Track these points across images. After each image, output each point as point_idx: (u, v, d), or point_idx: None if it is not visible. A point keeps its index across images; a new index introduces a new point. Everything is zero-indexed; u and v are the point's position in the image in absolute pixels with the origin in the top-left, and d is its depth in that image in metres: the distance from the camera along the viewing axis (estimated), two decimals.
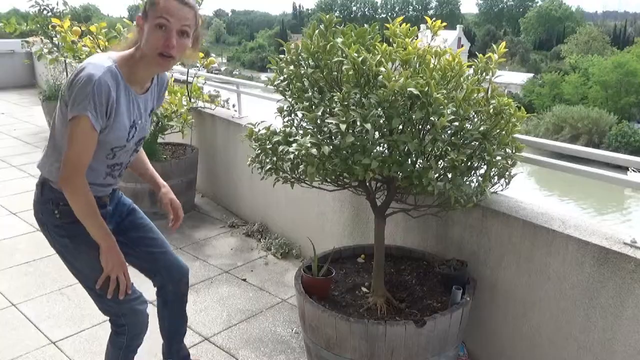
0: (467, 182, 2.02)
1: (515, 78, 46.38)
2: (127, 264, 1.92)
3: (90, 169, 1.73)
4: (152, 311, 2.96)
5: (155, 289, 2.18)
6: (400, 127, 1.90)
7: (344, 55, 1.94)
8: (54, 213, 1.80)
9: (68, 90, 1.63)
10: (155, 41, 1.65)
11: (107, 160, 1.79)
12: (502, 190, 2.25)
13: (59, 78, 6.71)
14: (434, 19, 2.18)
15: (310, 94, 2.06)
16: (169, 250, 2.14)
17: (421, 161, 1.94)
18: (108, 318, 2.00)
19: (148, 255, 2.08)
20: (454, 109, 1.86)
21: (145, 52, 1.68)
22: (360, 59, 1.87)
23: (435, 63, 2.07)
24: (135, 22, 1.72)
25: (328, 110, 1.94)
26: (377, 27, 2.09)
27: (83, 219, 1.74)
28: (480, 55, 2.13)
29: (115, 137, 1.73)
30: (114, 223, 1.99)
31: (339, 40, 1.97)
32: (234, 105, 4.61)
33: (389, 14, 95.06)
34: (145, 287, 2.12)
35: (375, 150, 1.88)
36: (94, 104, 1.59)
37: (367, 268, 2.52)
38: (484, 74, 2.13)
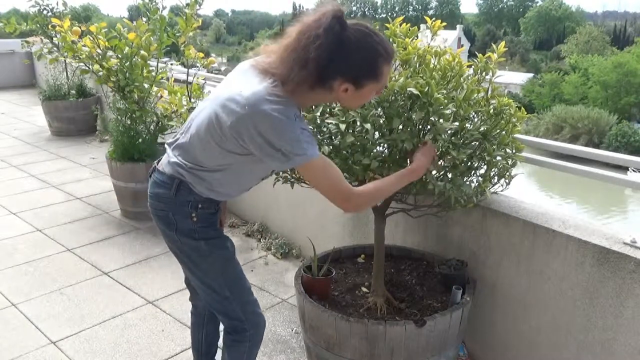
0: (467, 182, 2.02)
1: (515, 78, 46.37)
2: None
3: (241, 185, 1.74)
4: (152, 312, 2.97)
5: (193, 306, 2.13)
6: (400, 127, 1.90)
7: None
8: (191, 216, 1.71)
9: (258, 138, 1.49)
10: (365, 100, 1.64)
11: (261, 179, 1.78)
12: (502, 191, 2.25)
13: (59, 78, 6.70)
14: (433, 19, 2.18)
15: None
16: None
17: None
18: (223, 327, 1.95)
19: None
20: (454, 109, 1.86)
21: (345, 105, 1.73)
22: None
23: (435, 63, 2.07)
24: (328, 84, 1.52)
25: (328, 110, 1.94)
26: (377, 27, 2.08)
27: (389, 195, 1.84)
28: (480, 55, 2.13)
29: None
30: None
31: None
32: None
33: (389, 14, 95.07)
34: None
35: (375, 150, 1.88)
36: (308, 135, 1.52)
37: (367, 268, 2.52)
38: (484, 74, 2.13)
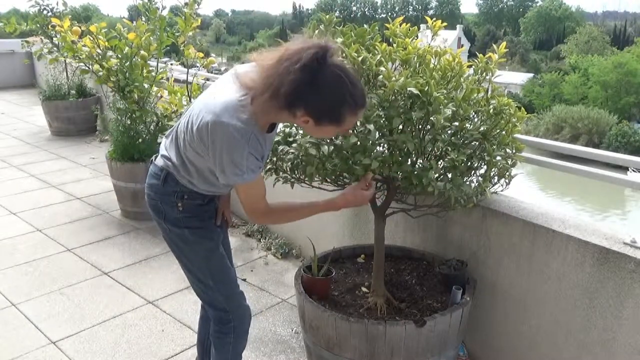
0: (467, 182, 2.01)
1: (515, 78, 46.39)
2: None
3: (214, 184, 1.77)
4: (152, 312, 2.97)
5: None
6: (401, 127, 1.90)
7: (344, 55, 1.94)
8: (176, 205, 1.80)
9: (211, 145, 1.57)
10: (326, 135, 1.79)
11: None
12: (502, 191, 2.25)
13: (59, 78, 6.70)
14: (434, 19, 2.18)
15: None
16: None
17: (421, 161, 1.94)
18: (212, 319, 2.00)
19: None
20: (454, 108, 1.86)
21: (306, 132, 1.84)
22: (360, 58, 1.88)
23: (435, 63, 2.07)
24: (290, 112, 1.55)
25: None
26: (377, 27, 2.09)
27: (297, 219, 1.89)
28: (481, 55, 2.13)
29: None
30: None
31: (339, 40, 1.97)
32: None
33: (389, 14, 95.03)
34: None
35: (375, 150, 1.88)
36: (257, 161, 1.59)
37: (367, 268, 2.52)
38: (484, 74, 2.13)
